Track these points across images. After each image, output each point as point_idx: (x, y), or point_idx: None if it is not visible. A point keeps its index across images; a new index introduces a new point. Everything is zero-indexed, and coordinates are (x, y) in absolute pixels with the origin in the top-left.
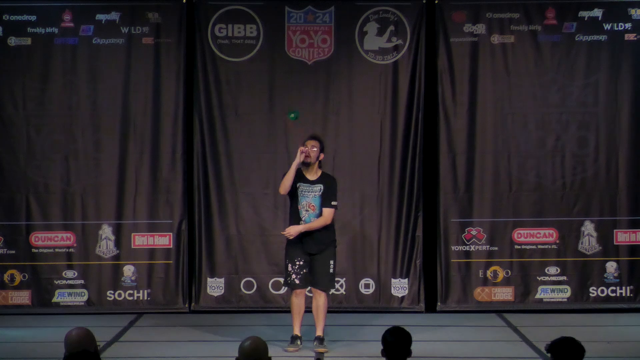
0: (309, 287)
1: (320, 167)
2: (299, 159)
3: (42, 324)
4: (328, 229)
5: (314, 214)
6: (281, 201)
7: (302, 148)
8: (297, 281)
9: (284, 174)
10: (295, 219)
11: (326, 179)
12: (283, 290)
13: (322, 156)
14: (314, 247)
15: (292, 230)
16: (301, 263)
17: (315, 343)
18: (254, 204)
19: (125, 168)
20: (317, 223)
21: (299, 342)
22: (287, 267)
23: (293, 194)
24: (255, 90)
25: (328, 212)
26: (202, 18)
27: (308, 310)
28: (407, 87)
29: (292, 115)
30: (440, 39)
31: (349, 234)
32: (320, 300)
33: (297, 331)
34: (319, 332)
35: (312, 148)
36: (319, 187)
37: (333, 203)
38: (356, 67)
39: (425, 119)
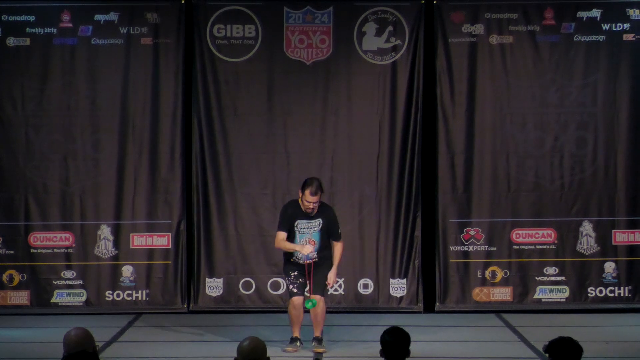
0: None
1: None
2: (302, 252)
3: (40, 324)
4: (327, 255)
5: (315, 248)
6: (280, 201)
7: (307, 249)
8: (294, 290)
9: (282, 214)
10: (292, 255)
11: (324, 212)
12: (282, 290)
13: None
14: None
15: (333, 280)
16: (296, 274)
17: (313, 343)
18: (253, 204)
19: (124, 168)
20: (339, 258)
21: (298, 343)
22: (289, 275)
23: (290, 230)
24: (254, 91)
25: (341, 245)
26: (201, 18)
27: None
28: (405, 88)
29: (310, 304)
30: (439, 39)
31: (347, 233)
32: (318, 304)
33: (297, 334)
34: (317, 333)
35: (314, 204)
36: (318, 222)
37: (340, 232)
38: (355, 67)
39: (423, 119)
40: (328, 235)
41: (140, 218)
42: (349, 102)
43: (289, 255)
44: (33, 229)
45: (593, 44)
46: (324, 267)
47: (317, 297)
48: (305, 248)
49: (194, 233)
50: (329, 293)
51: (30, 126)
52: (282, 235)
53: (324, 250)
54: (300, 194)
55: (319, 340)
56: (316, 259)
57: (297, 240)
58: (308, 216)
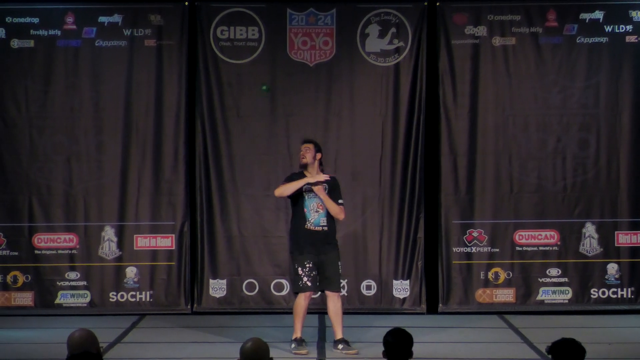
0: (318, 291)
1: (321, 168)
2: (316, 178)
3: (44, 325)
4: (332, 231)
5: (323, 213)
6: (283, 203)
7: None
8: (309, 283)
9: (287, 178)
10: (301, 221)
11: (330, 180)
12: (285, 291)
13: (319, 156)
14: (321, 249)
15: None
16: (310, 265)
17: (341, 346)
18: (256, 205)
19: (128, 170)
20: (334, 208)
21: (304, 344)
22: (297, 271)
23: (297, 197)
24: (257, 92)
25: (341, 209)
26: (204, 20)
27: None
28: (408, 89)
29: (264, 87)
30: (442, 41)
31: (350, 235)
32: (337, 303)
33: (300, 334)
34: (341, 335)
35: (307, 150)
36: (324, 187)
37: (340, 201)
38: (358, 69)
39: (426, 121)
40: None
41: (144, 219)
42: (351, 104)
43: (300, 235)
44: (37, 230)
45: (595, 45)
46: (333, 256)
47: (331, 294)
48: (319, 176)
49: (198, 234)
50: None
51: (34, 128)
52: (278, 193)
53: (332, 219)
54: None
55: (346, 342)
56: (326, 227)
57: (305, 204)
58: (314, 183)
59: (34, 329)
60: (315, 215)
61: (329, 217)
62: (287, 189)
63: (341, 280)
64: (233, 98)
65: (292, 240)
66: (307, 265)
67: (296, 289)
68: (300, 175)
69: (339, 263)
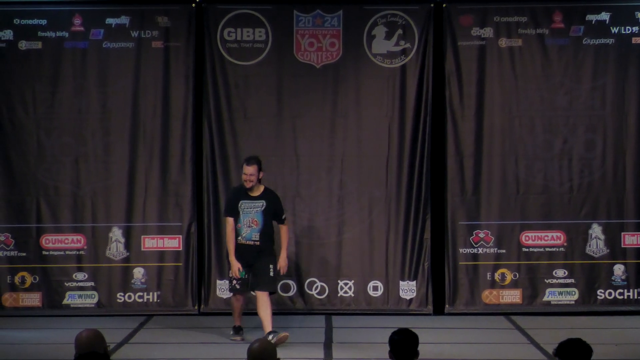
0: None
1: (260, 182)
2: (232, 271)
3: (52, 325)
4: (270, 240)
5: (257, 229)
6: (288, 205)
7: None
8: (237, 286)
9: (231, 198)
10: (238, 236)
11: (268, 195)
12: (292, 292)
13: (261, 175)
14: (256, 259)
15: (283, 265)
16: (244, 269)
17: (271, 336)
18: None
19: (135, 171)
20: (286, 242)
21: (241, 332)
22: (230, 274)
23: (235, 212)
24: (264, 94)
25: (286, 229)
26: (211, 22)
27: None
28: (414, 90)
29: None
30: (448, 43)
31: (357, 236)
32: (262, 299)
33: (239, 322)
34: (270, 328)
35: (250, 176)
36: (262, 203)
37: (284, 217)
38: (364, 70)
39: (432, 122)
40: (273, 217)
41: (151, 220)
42: (358, 105)
43: (236, 237)
44: (45, 231)
45: (602, 47)
46: (265, 256)
47: (258, 293)
48: (234, 269)
49: (205, 235)
50: (280, 279)
51: (42, 129)
52: (230, 221)
53: (266, 235)
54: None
55: (275, 332)
56: (258, 242)
57: (241, 220)
58: (251, 197)
59: (42, 330)
60: (247, 230)
61: (265, 230)
62: (227, 239)
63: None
64: (240, 99)
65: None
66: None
67: (230, 290)
68: (239, 190)
69: (271, 266)
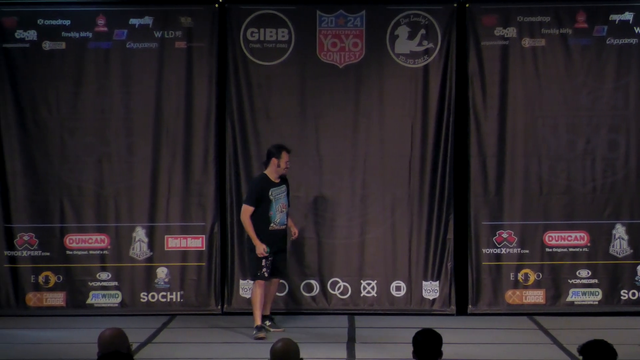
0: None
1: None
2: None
3: (76, 325)
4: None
5: (285, 212)
6: (311, 204)
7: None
8: (266, 274)
9: (258, 188)
10: (264, 222)
11: (285, 180)
12: (315, 292)
13: None
14: (283, 244)
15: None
16: (271, 259)
17: (270, 324)
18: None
19: (158, 171)
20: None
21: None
22: (260, 261)
23: (263, 201)
24: (287, 94)
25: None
26: (234, 22)
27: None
28: (437, 91)
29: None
30: (471, 43)
31: (380, 236)
32: (275, 286)
33: (269, 311)
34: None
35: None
36: (284, 187)
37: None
38: (387, 70)
39: (455, 122)
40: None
41: (175, 220)
42: (381, 105)
43: (264, 228)
44: (68, 231)
45: (625, 47)
46: (286, 242)
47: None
48: (261, 249)
49: (228, 235)
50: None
51: (65, 129)
52: (251, 210)
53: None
54: (276, 161)
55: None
56: (285, 225)
57: (273, 206)
58: (276, 184)
59: (66, 329)
60: (280, 215)
61: (287, 215)
62: (247, 225)
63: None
64: (263, 99)
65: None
66: (270, 259)
67: (255, 277)
68: (264, 179)
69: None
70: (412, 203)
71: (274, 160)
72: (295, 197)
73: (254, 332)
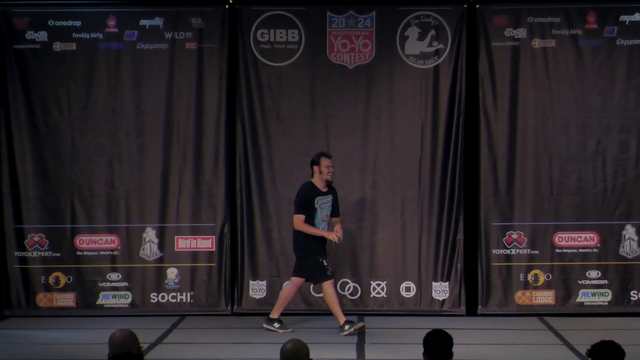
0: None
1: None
2: (330, 238)
3: (86, 325)
4: None
5: (327, 221)
6: None
7: (335, 234)
8: (330, 273)
9: (307, 197)
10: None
11: (333, 189)
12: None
13: None
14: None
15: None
16: (327, 258)
17: (278, 325)
18: None
19: (169, 171)
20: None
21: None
22: (322, 263)
23: (309, 208)
24: (297, 95)
25: (340, 221)
26: (245, 23)
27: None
28: (448, 91)
29: None
30: (481, 43)
31: (390, 237)
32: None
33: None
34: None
35: (333, 168)
36: (330, 198)
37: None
38: (397, 71)
39: (466, 123)
40: (332, 210)
41: (185, 221)
42: (391, 106)
43: (321, 238)
44: (79, 231)
45: (636, 47)
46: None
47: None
48: (332, 235)
49: (238, 236)
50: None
51: (76, 130)
52: (302, 218)
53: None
54: (317, 168)
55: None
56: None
57: (317, 215)
58: (323, 192)
59: (76, 330)
60: (323, 224)
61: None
62: (306, 231)
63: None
64: (273, 100)
65: (304, 245)
66: (326, 259)
67: (327, 277)
68: (311, 187)
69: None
70: (422, 204)
71: (315, 168)
72: None
73: (347, 327)
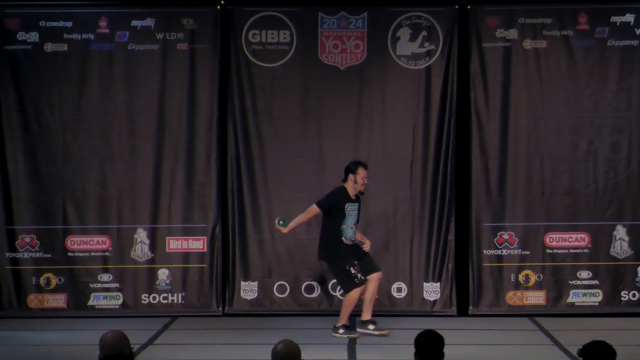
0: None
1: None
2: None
3: (77, 327)
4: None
5: (354, 229)
6: None
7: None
8: (362, 277)
9: (333, 196)
10: (336, 234)
11: (359, 198)
12: (316, 293)
13: None
14: (361, 250)
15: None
16: (357, 262)
17: (372, 327)
18: (288, 207)
19: (161, 172)
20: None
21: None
22: (349, 270)
23: (336, 213)
24: (289, 95)
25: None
26: (237, 24)
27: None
28: (439, 92)
29: (282, 222)
30: (473, 44)
31: (381, 237)
32: (376, 283)
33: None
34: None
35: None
36: (357, 205)
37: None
38: (389, 72)
39: (457, 123)
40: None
41: (176, 222)
42: (383, 107)
43: (337, 240)
44: (71, 232)
45: (627, 48)
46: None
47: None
48: (283, 230)
49: (229, 236)
50: None
51: (68, 131)
52: (316, 211)
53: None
54: (353, 177)
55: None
56: (354, 241)
57: (346, 221)
58: (352, 200)
59: (67, 331)
60: (351, 232)
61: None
62: (298, 219)
63: None
64: (265, 101)
65: (330, 252)
66: (356, 264)
67: (354, 285)
68: (344, 192)
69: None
70: (414, 204)
71: (351, 177)
72: (297, 199)
73: (341, 331)
